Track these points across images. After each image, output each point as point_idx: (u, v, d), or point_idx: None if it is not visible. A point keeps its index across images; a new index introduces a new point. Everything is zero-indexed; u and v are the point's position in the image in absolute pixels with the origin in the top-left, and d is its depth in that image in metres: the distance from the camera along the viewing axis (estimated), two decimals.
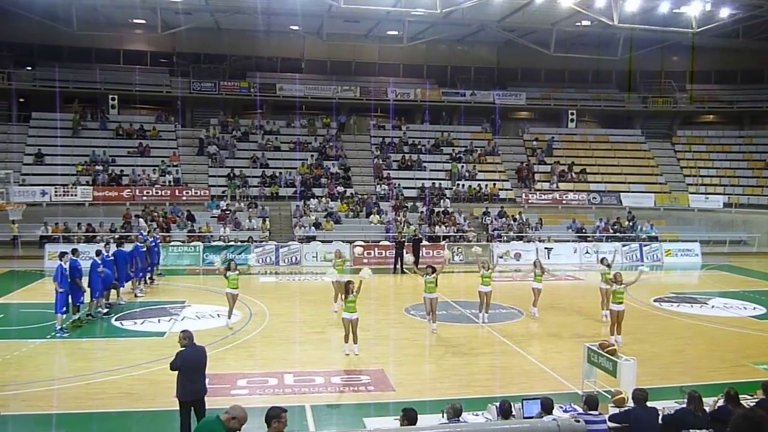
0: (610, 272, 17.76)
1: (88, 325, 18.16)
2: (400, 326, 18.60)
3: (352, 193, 37.40)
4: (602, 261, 19.46)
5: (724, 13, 33.24)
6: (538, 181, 41.14)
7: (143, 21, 39.78)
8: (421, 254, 29.64)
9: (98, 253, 19.87)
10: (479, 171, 40.80)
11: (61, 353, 15.68)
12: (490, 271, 18.81)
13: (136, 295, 21.91)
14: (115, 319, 18.79)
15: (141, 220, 31.72)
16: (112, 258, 20.57)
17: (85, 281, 18.40)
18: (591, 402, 9.24)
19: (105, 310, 19.31)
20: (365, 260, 29.76)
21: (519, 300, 20.57)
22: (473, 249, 20.93)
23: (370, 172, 40.21)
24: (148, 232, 25.88)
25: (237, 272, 17.77)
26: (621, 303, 16.41)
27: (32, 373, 13.82)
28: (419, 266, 22.34)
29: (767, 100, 46.05)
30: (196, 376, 10.17)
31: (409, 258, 22.83)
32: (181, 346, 10.26)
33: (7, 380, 13.28)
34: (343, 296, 15.74)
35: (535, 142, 43.63)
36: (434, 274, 17.80)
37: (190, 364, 10.14)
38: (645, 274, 17.89)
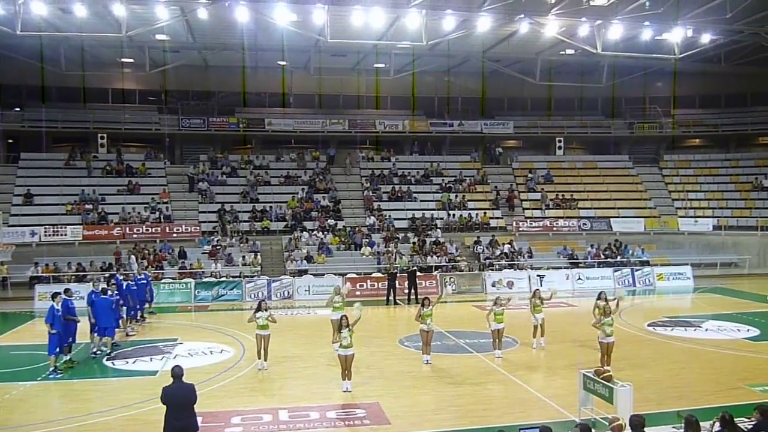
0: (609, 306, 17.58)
1: (79, 365, 17.97)
2: (394, 358, 18.49)
3: (343, 226, 37.41)
4: (599, 296, 18.95)
5: (706, 39, 33.76)
6: (527, 209, 41.30)
7: (131, 60, 40.00)
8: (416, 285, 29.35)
9: (104, 291, 19.75)
10: (469, 200, 40.93)
11: (52, 395, 15.50)
12: (502, 308, 18.55)
13: (127, 334, 21.70)
14: (107, 359, 18.61)
15: (134, 257, 31.64)
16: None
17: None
18: (584, 430, 9.16)
19: (97, 350, 19.14)
20: (357, 293, 29.75)
21: (514, 329, 20.47)
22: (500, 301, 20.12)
23: (360, 204, 40.27)
24: (138, 270, 25.76)
25: (267, 312, 17.06)
26: (611, 335, 16.34)
27: (23, 416, 13.63)
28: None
29: (752, 123, 46.63)
30: (179, 413, 10.09)
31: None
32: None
33: None
34: (338, 332, 15.38)
35: (529, 173, 43.86)
36: (431, 307, 17.72)
37: (173, 400, 10.13)
38: (623, 301, 17.80)
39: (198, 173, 40.09)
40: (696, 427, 9.05)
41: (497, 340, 18.38)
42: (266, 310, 17.16)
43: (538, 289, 19.77)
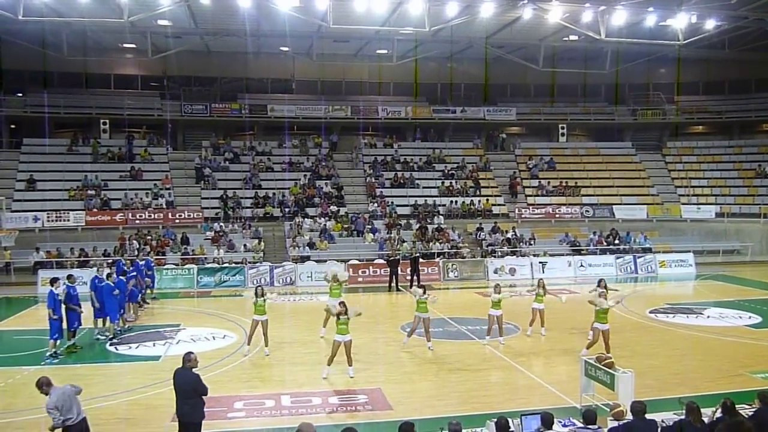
0: (607, 293, 17.71)
1: (82, 350, 18.04)
2: (396, 344, 18.50)
3: (345, 212, 37.42)
4: (599, 283, 18.58)
5: (710, 25, 33.56)
6: (530, 195, 41.25)
7: (133, 45, 39.94)
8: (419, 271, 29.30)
9: (109, 275, 20.00)
10: (470, 187, 40.87)
11: (56, 380, 15.39)
12: (500, 295, 18.53)
13: (126, 320, 21.62)
14: (110, 344, 18.68)
15: (135, 242, 31.71)
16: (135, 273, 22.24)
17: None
18: (589, 416, 9.21)
19: (99, 335, 19.25)
20: (360, 279, 29.88)
21: (515, 315, 20.51)
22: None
23: (362, 191, 40.25)
24: (137, 255, 25.79)
25: (264, 298, 17.06)
26: (605, 323, 16.27)
27: (27, 400, 13.66)
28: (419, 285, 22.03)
29: (755, 110, 46.48)
30: (179, 399, 10.23)
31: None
32: None
33: (1, 408, 13.16)
34: (335, 317, 15.35)
35: (530, 160, 43.80)
36: (426, 294, 17.71)
37: (175, 384, 10.29)
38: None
39: (201, 160, 40.05)
40: (697, 414, 9.09)
41: (499, 326, 18.37)
42: (263, 295, 17.18)
43: (542, 279, 19.89)
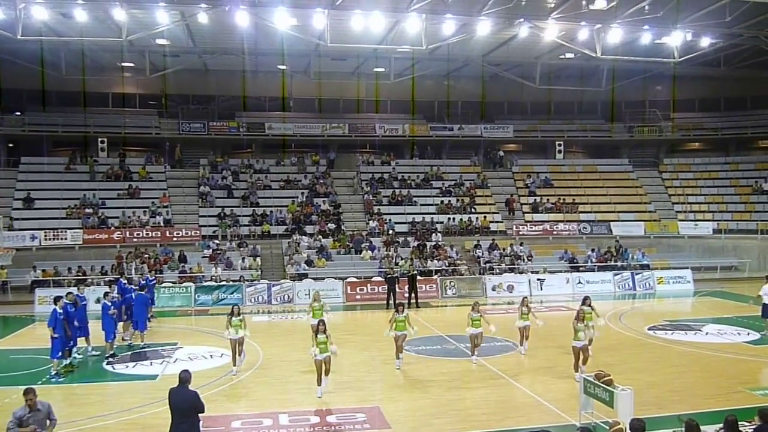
0: (593, 313, 17.78)
1: (79, 369, 17.97)
2: (394, 362, 18.44)
3: (343, 230, 37.40)
4: (584, 301, 18.31)
5: (705, 42, 33.78)
6: (527, 212, 41.29)
7: (131, 64, 40.07)
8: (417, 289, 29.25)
9: (106, 294, 20.16)
10: (468, 204, 40.90)
11: (53, 399, 15.33)
12: (479, 314, 18.40)
13: (123, 339, 21.42)
14: (107, 363, 18.60)
15: (134, 263, 31.64)
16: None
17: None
18: None
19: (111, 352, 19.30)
20: (357, 296, 29.84)
21: (513, 333, 20.45)
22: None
23: (360, 209, 40.27)
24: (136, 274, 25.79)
25: (240, 317, 17.12)
26: (583, 340, 16.12)
27: None
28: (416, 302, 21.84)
29: (751, 126, 46.67)
30: (175, 417, 10.11)
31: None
32: None
33: None
34: (314, 337, 15.26)
35: (527, 177, 43.92)
36: (404, 313, 17.62)
37: (172, 403, 10.18)
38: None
39: (201, 178, 40.08)
40: None
41: (474, 344, 18.19)
42: (239, 314, 17.17)
43: (526, 297, 19.88)
